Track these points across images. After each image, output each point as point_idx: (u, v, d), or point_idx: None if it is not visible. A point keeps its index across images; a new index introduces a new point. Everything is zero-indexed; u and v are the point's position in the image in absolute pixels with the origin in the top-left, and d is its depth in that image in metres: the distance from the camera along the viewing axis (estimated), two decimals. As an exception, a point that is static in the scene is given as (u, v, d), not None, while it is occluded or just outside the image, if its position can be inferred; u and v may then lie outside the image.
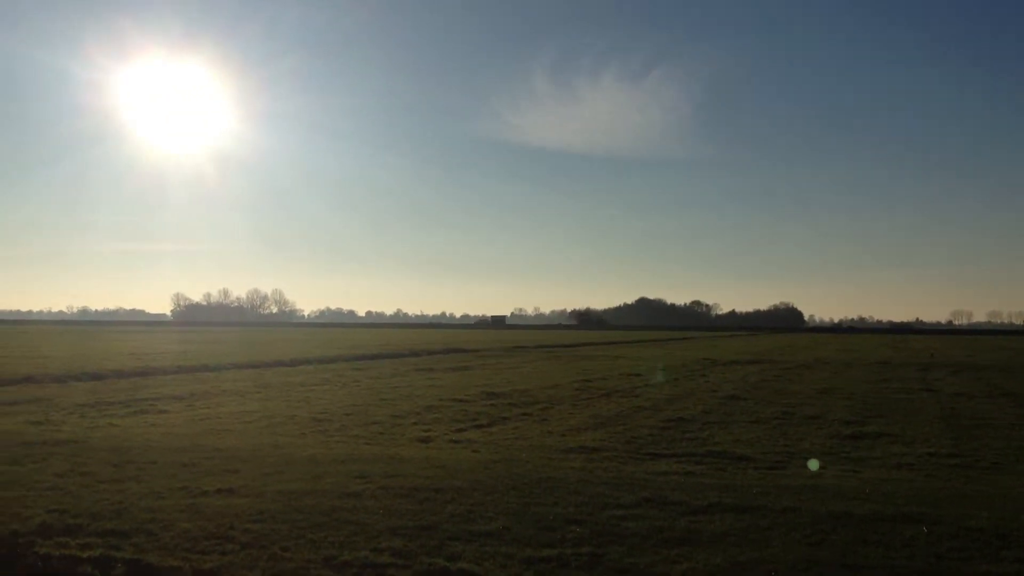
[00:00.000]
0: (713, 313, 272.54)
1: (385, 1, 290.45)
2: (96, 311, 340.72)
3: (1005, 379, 28.77)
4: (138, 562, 6.47)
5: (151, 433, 13.67)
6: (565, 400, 19.92)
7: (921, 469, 11.16)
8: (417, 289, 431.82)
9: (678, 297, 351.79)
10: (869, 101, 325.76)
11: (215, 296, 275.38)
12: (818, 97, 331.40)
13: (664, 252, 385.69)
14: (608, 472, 10.39)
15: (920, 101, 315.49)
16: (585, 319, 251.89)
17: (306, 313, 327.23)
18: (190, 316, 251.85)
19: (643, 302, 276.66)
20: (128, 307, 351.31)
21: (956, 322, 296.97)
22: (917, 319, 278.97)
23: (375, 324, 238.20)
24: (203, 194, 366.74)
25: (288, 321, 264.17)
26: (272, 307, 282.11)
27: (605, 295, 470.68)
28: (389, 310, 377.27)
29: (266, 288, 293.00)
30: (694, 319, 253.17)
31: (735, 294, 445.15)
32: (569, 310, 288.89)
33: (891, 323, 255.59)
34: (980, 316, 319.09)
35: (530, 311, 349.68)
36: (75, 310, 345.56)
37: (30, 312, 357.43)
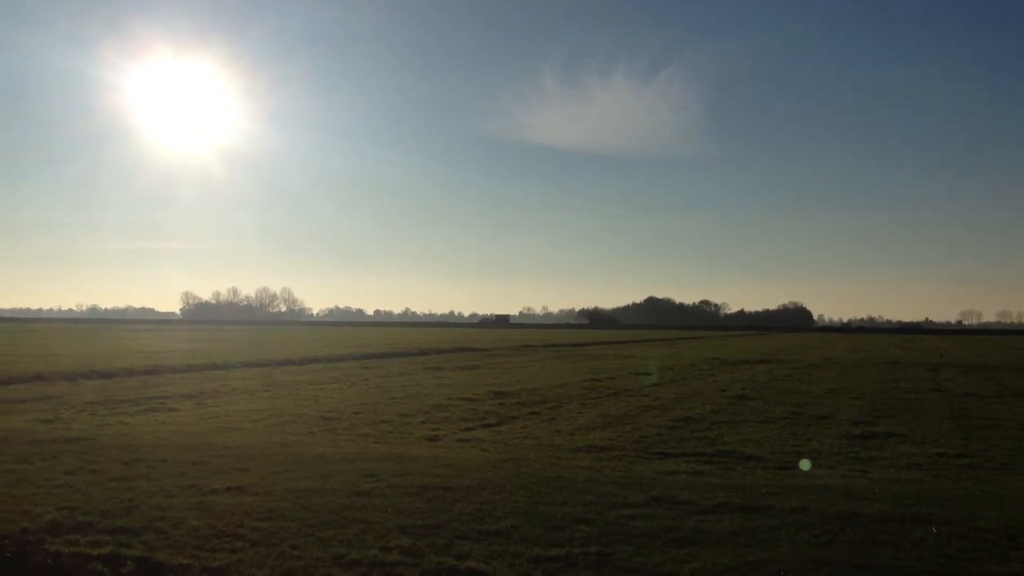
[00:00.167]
0: (722, 312, 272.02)
1: (394, 0, 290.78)
2: (105, 309, 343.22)
3: (1015, 379, 28.60)
4: (148, 560, 6.50)
5: (161, 431, 13.74)
6: (574, 399, 19.90)
7: (931, 469, 11.11)
8: (425, 288, 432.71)
9: (687, 296, 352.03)
10: (874, 99, 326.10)
11: (224, 295, 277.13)
12: (827, 96, 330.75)
13: (673, 251, 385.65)
14: (617, 471, 10.38)
15: (920, 99, 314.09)
16: (595, 318, 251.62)
17: (315, 312, 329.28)
18: (199, 315, 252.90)
19: (651, 301, 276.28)
20: (137, 305, 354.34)
21: (966, 322, 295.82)
22: (926, 319, 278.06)
23: (384, 323, 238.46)
24: (212, 193, 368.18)
25: (297, 320, 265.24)
26: (281, 306, 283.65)
27: (613, 294, 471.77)
28: (397, 309, 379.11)
29: (275, 287, 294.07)
30: (702, 318, 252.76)
31: (744, 294, 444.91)
32: (577, 309, 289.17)
33: (900, 323, 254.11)
34: (990, 316, 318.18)
35: (538, 310, 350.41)
36: (84, 308, 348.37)
37: (39, 310, 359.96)
